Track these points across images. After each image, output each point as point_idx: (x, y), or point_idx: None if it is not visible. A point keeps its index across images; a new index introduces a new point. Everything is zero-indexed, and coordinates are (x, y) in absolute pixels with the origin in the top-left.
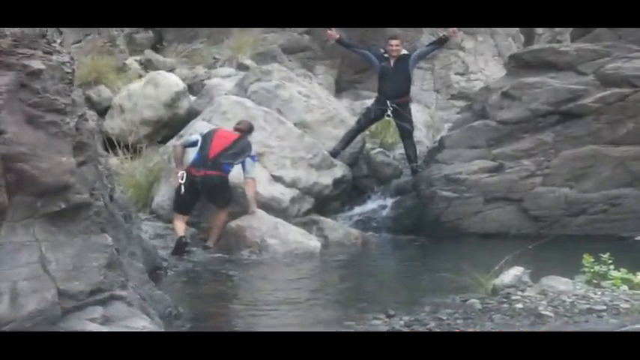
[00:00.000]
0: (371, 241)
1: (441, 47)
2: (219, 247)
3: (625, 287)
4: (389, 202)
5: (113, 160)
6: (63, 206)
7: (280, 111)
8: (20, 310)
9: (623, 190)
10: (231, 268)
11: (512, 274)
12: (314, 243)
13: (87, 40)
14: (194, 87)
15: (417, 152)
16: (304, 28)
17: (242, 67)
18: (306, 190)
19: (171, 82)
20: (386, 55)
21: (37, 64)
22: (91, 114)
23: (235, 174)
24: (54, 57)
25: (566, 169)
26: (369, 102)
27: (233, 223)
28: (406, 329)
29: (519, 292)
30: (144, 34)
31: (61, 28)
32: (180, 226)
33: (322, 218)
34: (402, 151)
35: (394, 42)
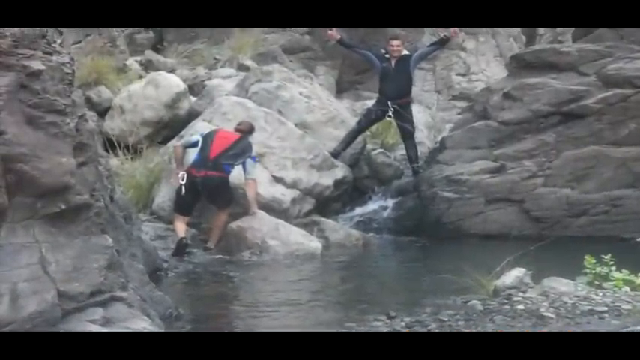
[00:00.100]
0: (372, 243)
1: (443, 48)
2: (220, 249)
3: (626, 288)
4: (390, 203)
5: (113, 161)
6: (63, 207)
7: (281, 112)
8: (20, 312)
9: (624, 191)
10: (231, 269)
11: (514, 275)
12: (315, 244)
13: (87, 41)
14: (195, 88)
15: (418, 153)
16: (305, 29)
17: (243, 67)
18: (306, 191)
19: (172, 82)
20: (387, 56)
21: (37, 65)
22: (91, 115)
23: (236, 175)
24: (54, 57)
25: (568, 170)
26: (370, 103)
27: (234, 224)
28: (407, 330)
29: (521, 294)
30: (144, 35)
31: (61, 29)
32: (180, 227)
33: (323, 219)
34: (403, 152)
35: (395, 42)
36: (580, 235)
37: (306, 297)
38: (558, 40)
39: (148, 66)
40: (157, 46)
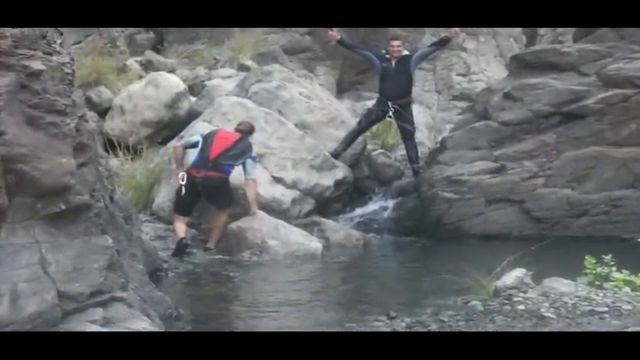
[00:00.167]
0: (372, 243)
1: (443, 48)
2: (220, 249)
3: (627, 289)
4: (390, 203)
5: (113, 162)
6: (63, 208)
7: (281, 112)
8: (20, 312)
9: (625, 192)
10: (231, 269)
11: (514, 275)
12: (315, 244)
13: (87, 41)
14: (195, 88)
15: (419, 153)
16: (305, 29)
17: (243, 67)
18: (307, 192)
19: (172, 83)
20: (387, 56)
21: (37, 65)
22: (91, 115)
23: (236, 175)
24: (54, 58)
25: (569, 171)
26: (371, 103)
27: (234, 225)
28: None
29: (521, 294)
30: (144, 35)
31: (61, 29)
32: (180, 227)
33: (323, 220)
34: (404, 152)
35: (395, 43)
36: (580, 235)
37: (307, 297)
38: (559, 41)
39: (148, 66)
40: (157, 47)
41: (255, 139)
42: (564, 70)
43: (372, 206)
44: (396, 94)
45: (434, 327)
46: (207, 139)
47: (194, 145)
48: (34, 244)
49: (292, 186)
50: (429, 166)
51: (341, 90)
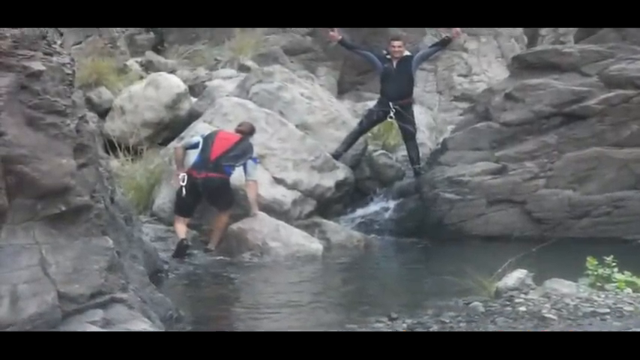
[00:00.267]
0: (373, 244)
1: (444, 48)
2: (221, 250)
3: (629, 290)
4: (391, 204)
5: (114, 162)
6: (63, 209)
7: (282, 113)
8: (20, 314)
9: (627, 193)
10: (232, 270)
11: (516, 276)
12: (316, 245)
13: (87, 42)
14: (195, 88)
15: (420, 154)
16: (306, 30)
17: (243, 68)
18: (308, 193)
19: (173, 83)
20: (388, 57)
21: (37, 66)
22: (91, 116)
23: (237, 176)
24: (54, 58)
25: (570, 171)
26: (372, 104)
27: (234, 226)
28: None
29: (522, 295)
30: (145, 36)
31: (61, 30)
32: (181, 228)
33: (324, 221)
34: (405, 153)
35: (396, 43)
36: (582, 236)
37: (308, 299)
38: (560, 41)
39: (148, 67)
40: (158, 47)
41: (256, 140)
42: (566, 71)
43: (373, 207)
44: (397, 94)
45: (435, 328)
46: (208, 140)
47: (195, 146)
48: (34, 245)
49: (293, 187)
50: (430, 166)
51: (342, 91)
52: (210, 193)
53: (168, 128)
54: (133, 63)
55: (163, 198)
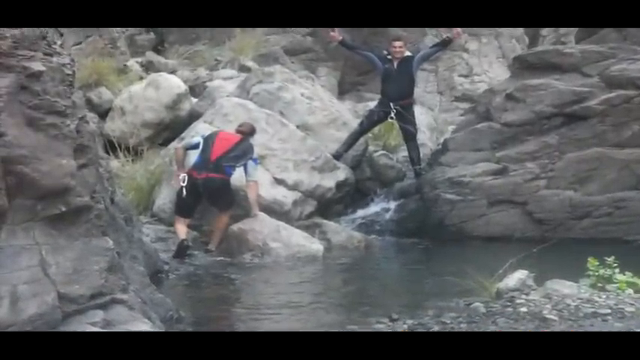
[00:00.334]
0: (374, 245)
1: (445, 49)
2: (221, 251)
3: (630, 291)
4: (392, 205)
5: (114, 163)
6: (63, 209)
7: (282, 113)
8: (20, 314)
9: (628, 193)
10: (233, 271)
11: (517, 277)
12: (316, 246)
13: (87, 42)
14: (196, 89)
15: (421, 155)
16: (307, 30)
17: (244, 68)
18: (308, 193)
19: (173, 84)
20: (389, 57)
21: (37, 66)
22: (91, 116)
23: (237, 177)
24: (54, 59)
25: (571, 172)
26: (372, 104)
27: (235, 227)
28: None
29: (524, 296)
30: (145, 36)
31: (61, 30)
32: (181, 229)
33: (325, 221)
34: (406, 153)
35: (397, 43)
36: (583, 237)
37: (308, 299)
38: (561, 41)
39: (148, 67)
40: (158, 48)
41: (257, 141)
42: (567, 71)
43: (373, 208)
44: (397, 95)
45: (436, 329)
46: (208, 140)
47: (195, 146)
48: (34, 245)
49: (294, 187)
50: (431, 167)
51: (342, 91)
52: (211, 194)
53: (169, 129)
54: (133, 63)
55: (164, 198)
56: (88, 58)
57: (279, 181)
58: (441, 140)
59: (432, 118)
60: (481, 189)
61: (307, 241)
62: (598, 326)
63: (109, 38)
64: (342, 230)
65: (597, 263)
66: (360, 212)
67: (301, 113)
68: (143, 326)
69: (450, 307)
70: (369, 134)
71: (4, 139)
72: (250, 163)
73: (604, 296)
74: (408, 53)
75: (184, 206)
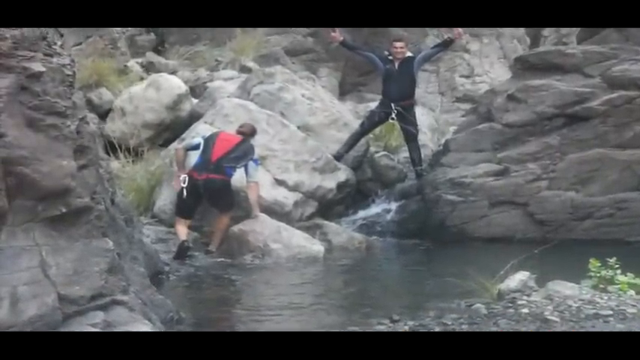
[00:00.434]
0: (375, 246)
1: (446, 49)
2: (222, 252)
3: (632, 292)
4: (393, 206)
5: (114, 164)
6: (64, 210)
7: (283, 114)
8: (20, 315)
9: (629, 194)
10: (233, 272)
11: (518, 278)
12: (317, 247)
13: (88, 43)
14: (196, 89)
15: (422, 155)
16: (308, 31)
17: (245, 69)
18: (309, 194)
19: (173, 84)
20: (390, 58)
21: (37, 67)
22: (91, 117)
23: (238, 178)
24: (54, 59)
25: (573, 173)
26: (373, 105)
27: (236, 228)
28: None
29: (525, 297)
30: (145, 37)
31: (61, 30)
32: (182, 230)
33: (326, 222)
34: (407, 154)
35: (398, 44)
36: (585, 238)
37: (309, 301)
38: (563, 42)
39: (149, 68)
40: (159, 48)
41: (257, 142)
42: (568, 72)
43: (374, 209)
44: (399, 95)
45: (437, 330)
46: (209, 141)
47: (195, 147)
48: (35, 246)
49: (294, 188)
50: (432, 168)
51: (343, 92)
52: (211, 195)
53: (169, 129)
54: (133, 64)
55: (164, 199)
56: (89, 59)
57: (280, 182)
58: (442, 141)
59: (433, 118)
60: (482, 190)
61: (308, 243)
62: (599, 327)
63: (109, 39)
64: (342, 231)
65: (599, 264)
66: (361, 213)
67: (302, 114)
68: (143, 327)
69: (451, 309)
70: (370, 135)
71: (5, 139)
72: (251, 164)
73: (606, 297)
74: (409, 54)
75: (185, 207)
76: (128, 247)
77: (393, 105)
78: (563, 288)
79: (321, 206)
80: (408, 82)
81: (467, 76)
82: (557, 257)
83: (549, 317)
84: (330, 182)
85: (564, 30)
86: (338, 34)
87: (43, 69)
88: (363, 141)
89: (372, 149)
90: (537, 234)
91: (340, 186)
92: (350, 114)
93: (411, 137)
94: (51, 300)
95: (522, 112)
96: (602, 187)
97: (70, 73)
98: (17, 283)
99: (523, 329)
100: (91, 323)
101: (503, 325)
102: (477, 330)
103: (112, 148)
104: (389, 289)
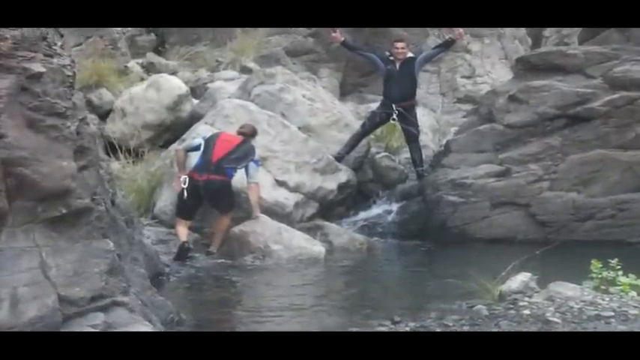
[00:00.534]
0: (376, 247)
1: (447, 50)
2: (223, 253)
3: (634, 293)
4: (394, 207)
5: (115, 165)
6: (64, 211)
7: (284, 114)
8: (21, 317)
9: (631, 195)
10: (234, 273)
11: (520, 279)
12: (318, 248)
13: (88, 43)
14: (197, 90)
15: (423, 156)
16: (308, 31)
17: (245, 70)
18: (310, 195)
19: (174, 85)
20: (391, 58)
21: (37, 67)
22: (92, 118)
23: (238, 178)
24: (55, 60)
25: (574, 174)
26: (374, 105)
27: (236, 229)
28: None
29: (526, 298)
30: (146, 37)
31: (61, 31)
32: (182, 231)
33: (327, 223)
34: (408, 155)
35: (400, 45)
36: (586, 239)
37: (310, 302)
38: (564, 43)
39: (149, 68)
40: (159, 49)
41: (258, 142)
42: (570, 73)
43: (375, 210)
44: (400, 96)
45: (438, 331)
46: (210, 142)
47: (196, 148)
48: (35, 247)
49: (295, 189)
50: (433, 169)
51: (344, 92)
52: (212, 196)
53: (170, 130)
54: (133, 64)
55: (165, 200)
56: (89, 60)
57: (281, 183)
58: (444, 142)
59: (434, 119)
60: (484, 191)
61: (309, 244)
62: (601, 329)
63: (109, 39)
64: (343, 232)
65: (600, 265)
66: (362, 214)
67: (303, 115)
68: (144, 329)
69: (452, 310)
70: (371, 136)
71: (4, 140)
72: (252, 164)
73: (607, 299)
74: (410, 54)
75: (185, 208)
76: (128, 248)
77: (394, 106)
78: (565, 289)
79: (322, 207)
80: (409, 82)
81: (468, 77)
82: (559, 258)
83: (551, 319)
84: (331, 183)
85: (566, 30)
86: (339, 35)
87: (44, 70)
88: (364, 142)
89: (373, 150)
90: (539, 235)
91: (341, 187)
92: (351, 115)
93: (412, 138)
94: (51, 301)
95: (524, 112)
96: (603, 188)
97: (70, 73)
98: (17, 284)
99: (524, 330)
100: (91, 324)
101: (505, 327)
102: (478, 331)
103: (112, 148)
104: (390, 291)
